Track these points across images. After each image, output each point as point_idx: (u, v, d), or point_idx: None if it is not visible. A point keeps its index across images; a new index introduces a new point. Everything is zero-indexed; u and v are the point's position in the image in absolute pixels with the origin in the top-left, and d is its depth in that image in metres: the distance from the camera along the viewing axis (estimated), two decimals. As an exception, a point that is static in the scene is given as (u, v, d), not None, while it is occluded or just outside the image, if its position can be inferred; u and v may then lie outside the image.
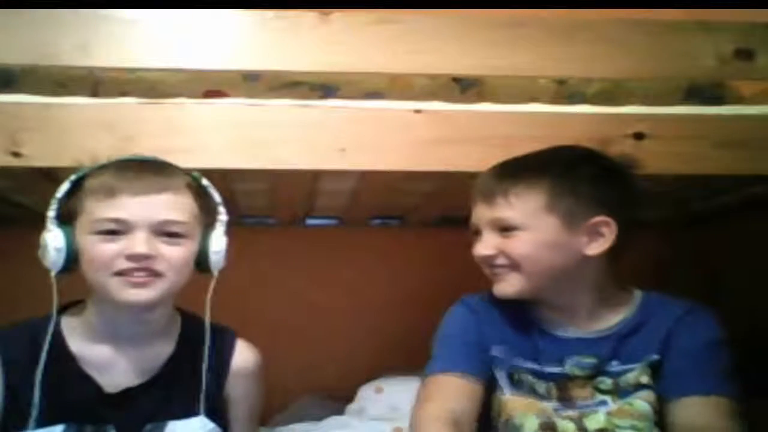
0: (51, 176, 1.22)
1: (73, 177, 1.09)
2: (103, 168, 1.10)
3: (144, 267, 1.05)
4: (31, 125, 1.20)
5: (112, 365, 1.12)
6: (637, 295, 1.20)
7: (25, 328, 1.12)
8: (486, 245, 1.15)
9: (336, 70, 1.32)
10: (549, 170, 1.13)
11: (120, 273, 1.05)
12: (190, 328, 1.17)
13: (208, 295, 1.12)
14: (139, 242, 1.04)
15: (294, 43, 1.27)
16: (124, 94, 1.28)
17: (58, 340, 1.11)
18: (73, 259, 1.07)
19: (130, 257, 1.04)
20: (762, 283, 1.76)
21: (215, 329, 1.16)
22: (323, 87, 1.35)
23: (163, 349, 1.15)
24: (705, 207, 1.80)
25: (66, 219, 1.08)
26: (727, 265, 1.96)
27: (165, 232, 1.07)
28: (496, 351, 1.19)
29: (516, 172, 1.15)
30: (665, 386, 1.14)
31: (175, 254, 1.07)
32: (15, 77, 1.28)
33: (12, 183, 1.44)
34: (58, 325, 1.12)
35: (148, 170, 1.09)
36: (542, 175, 1.12)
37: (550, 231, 1.12)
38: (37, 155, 1.20)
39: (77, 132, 1.21)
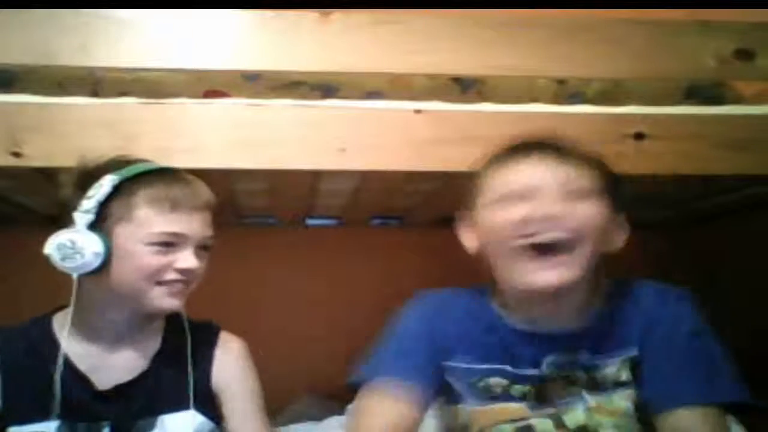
0: (51, 176, 1.22)
1: (115, 181, 1.07)
2: (152, 176, 1.10)
3: (183, 279, 1.10)
4: (31, 125, 1.20)
5: (103, 363, 1.14)
6: (609, 282, 1.13)
7: (22, 328, 1.15)
8: (558, 207, 1.01)
9: (336, 70, 1.32)
10: (594, 157, 1.09)
11: (163, 283, 1.09)
12: (173, 325, 1.20)
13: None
14: (191, 258, 1.10)
15: (294, 43, 1.27)
16: (124, 94, 1.28)
17: (52, 341, 1.13)
18: (105, 264, 1.07)
19: (183, 271, 1.09)
20: (762, 284, 1.76)
21: (199, 325, 1.20)
22: (323, 87, 1.35)
23: (150, 346, 1.17)
24: (705, 207, 1.80)
25: (96, 222, 1.07)
26: (727, 265, 1.96)
27: (202, 246, 1.12)
28: (456, 361, 1.12)
29: (576, 148, 1.08)
30: (648, 392, 1.07)
31: (203, 266, 1.13)
32: (15, 77, 1.28)
33: (12, 183, 1.44)
34: (50, 326, 1.14)
35: (196, 185, 1.12)
36: (593, 158, 1.08)
37: (606, 211, 1.05)
38: (37, 155, 1.20)
39: (77, 132, 1.21)
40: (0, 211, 1.75)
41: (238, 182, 1.49)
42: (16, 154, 1.19)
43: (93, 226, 1.07)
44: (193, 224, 1.10)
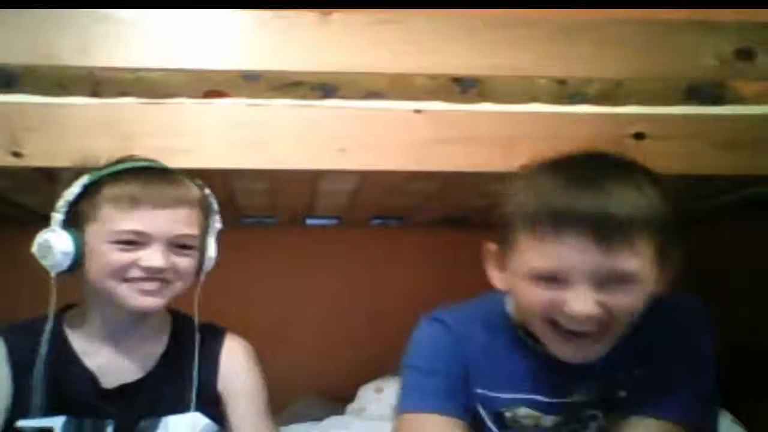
0: (51, 176, 1.22)
1: (85, 181, 1.08)
2: (119, 174, 1.10)
3: (156, 278, 1.08)
4: (31, 125, 1.20)
5: (110, 362, 1.14)
6: None
7: (30, 324, 1.14)
8: (591, 302, 0.89)
9: (336, 70, 1.32)
10: (653, 195, 0.92)
11: (130, 280, 1.08)
12: (180, 326, 1.20)
13: (196, 295, 1.15)
14: (156, 256, 1.07)
15: (294, 43, 1.27)
16: (124, 94, 1.28)
17: (61, 337, 1.14)
18: (78, 262, 1.08)
19: (146, 269, 1.07)
20: (762, 283, 1.76)
21: (204, 326, 1.19)
22: (323, 87, 1.35)
23: (156, 347, 1.17)
24: (705, 207, 1.79)
25: (73, 221, 1.08)
26: (727, 265, 1.96)
27: (178, 244, 1.10)
28: (482, 387, 1.03)
29: (629, 201, 0.89)
30: (634, 401, 1.00)
31: (185, 265, 1.11)
32: (15, 77, 1.28)
33: (12, 183, 1.44)
34: (60, 322, 1.15)
35: (169, 182, 1.10)
36: (653, 205, 0.91)
37: (656, 277, 0.92)
38: (37, 155, 1.20)
39: (77, 132, 1.21)
40: (0, 211, 1.75)
41: (238, 182, 1.49)
42: (16, 154, 1.19)
43: (70, 226, 1.08)
44: (158, 222, 1.07)
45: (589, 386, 1.01)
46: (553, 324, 0.93)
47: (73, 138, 1.20)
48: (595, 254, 0.88)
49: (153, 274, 1.08)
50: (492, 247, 1.01)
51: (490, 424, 1.04)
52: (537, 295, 0.92)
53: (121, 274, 1.08)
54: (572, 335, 0.93)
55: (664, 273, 0.95)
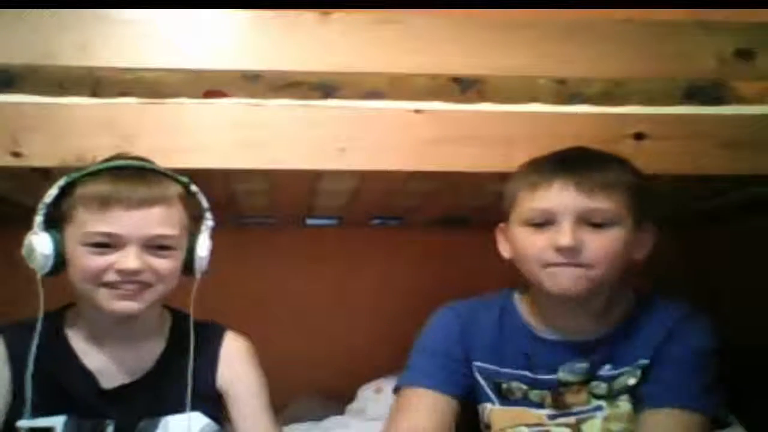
0: (51, 176, 1.22)
1: (61, 182, 1.08)
2: (94, 174, 1.08)
3: (133, 281, 1.06)
4: (31, 125, 1.20)
5: (108, 362, 1.14)
6: (632, 296, 1.19)
7: (30, 324, 1.13)
8: (572, 236, 1.07)
9: (336, 70, 1.32)
10: (624, 169, 1.13)
11: (107, 284, 1.06)
12: (179, 325, 1.18)
13: (192, 296, 1.13)
14: (130, 258, 1.05)
15: (294, 43, 1.27)
16: (124, 94, 1.28)
17: (61, 336, 1.14)
18: (60, 264, 1.07)
19: (121, 272, 1.05)
20: (762, 284, 1.76)
21: (204, 325, 1.18)
22: (323, 87, 1.35)
23: (154, 347, 1.17)
24: (705, 207, 1.79)
25: (55, 222, 1.08)
26: (728, 266, 1.96)
27: (156, 245, 1.07)
28: (481, 362, 1.18)
29: (603, 165, 1.11)
30: (647, 393, 1.12)
31: (164, 266, 1.08)
32: (15, 77, 1.28)
33: (12, 183, 1.44)
34: (62, 321, 1.15)
35: (141, 181, 1.08)
36: (624, 173, 1.12)
37: (630, 230, 1.10)
38: (37, 155, 1.20)
39: (77, 132, 1.21)
40: (0, 211, 1.75)
41: (238, 182, 1.49)
42: (16, 154, 1.19)
43: (51, 228, 1.07)
44: (130, 223, 1.04)
45: (575, 367, 1.14)
46: (544, 265, 1.10)
47: (73, 138, 1.20)
48: (576, 196, 1.08)
49: (129, 277, 1.05)
50: (502, 226, 1.20)
51: (489, 392, 1.19)
52: (533, 241, 1.10)
53: (97, 278, 1.06)
54: (563, 265, 1.08)
55: (640, 239, 1.12)
